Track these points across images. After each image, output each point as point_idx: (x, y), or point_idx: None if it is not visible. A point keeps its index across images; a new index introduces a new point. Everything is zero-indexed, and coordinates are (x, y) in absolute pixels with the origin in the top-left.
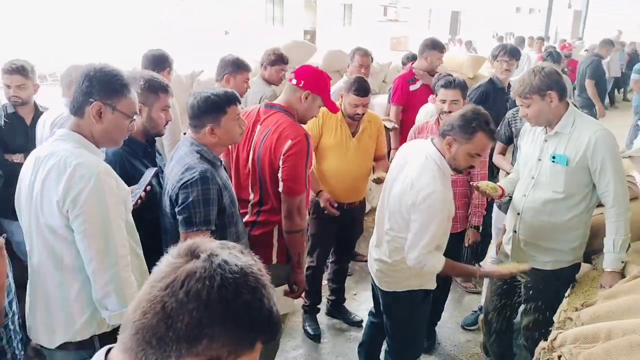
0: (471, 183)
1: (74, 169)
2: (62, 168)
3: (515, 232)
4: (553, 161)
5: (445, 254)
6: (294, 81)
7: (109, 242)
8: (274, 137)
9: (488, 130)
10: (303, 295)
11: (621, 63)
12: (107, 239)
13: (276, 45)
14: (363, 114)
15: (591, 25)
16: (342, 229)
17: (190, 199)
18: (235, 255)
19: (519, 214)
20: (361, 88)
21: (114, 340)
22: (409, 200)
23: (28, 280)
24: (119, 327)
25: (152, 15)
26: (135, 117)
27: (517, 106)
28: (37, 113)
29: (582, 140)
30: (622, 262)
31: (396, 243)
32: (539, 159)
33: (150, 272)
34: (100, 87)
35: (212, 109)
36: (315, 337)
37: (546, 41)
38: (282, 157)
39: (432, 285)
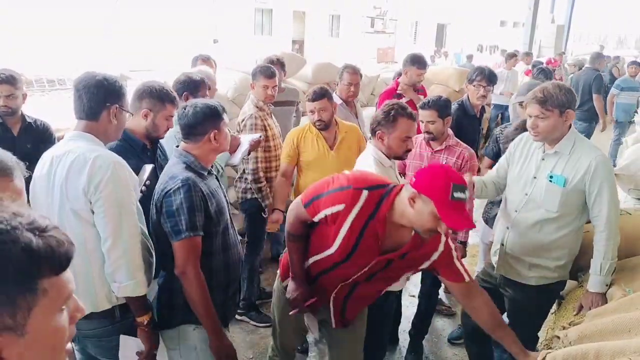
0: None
1: (94, 161)
2: (82, 161)
3: (502, 245)
4: (550, 180)
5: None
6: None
7: (122, 221)
8: None
9: (406, 114)
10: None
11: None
12: (120, 219)
13: (267, 55)
14: (323, 120)
15: (573, 40)
16: None
17: (174, 207)
18: None
19: (507, 227)
20: (312, 92)
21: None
22: None
23: None
24: None
25: (139, 22)
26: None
27: (501, 125)
28: (24, 123)
29: (582, 164)
30: (606, 284)
31: None
32: (534, 177)
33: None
34: (113, 93)
35: (214, 115)
36: (303, 352)
37: (524, 56)
38: None
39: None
